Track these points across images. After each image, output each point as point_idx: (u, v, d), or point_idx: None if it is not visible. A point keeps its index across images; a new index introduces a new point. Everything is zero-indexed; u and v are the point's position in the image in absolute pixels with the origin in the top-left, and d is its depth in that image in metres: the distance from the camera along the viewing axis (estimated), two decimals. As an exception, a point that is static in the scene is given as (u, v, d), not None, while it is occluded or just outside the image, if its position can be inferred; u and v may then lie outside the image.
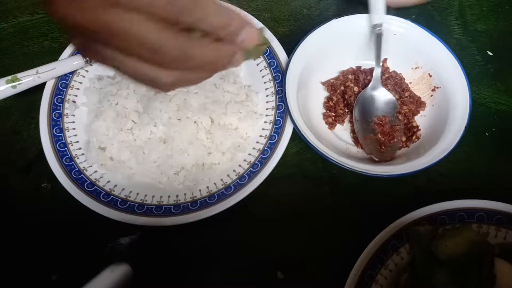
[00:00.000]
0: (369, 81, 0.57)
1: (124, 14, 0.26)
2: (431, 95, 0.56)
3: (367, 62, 0.58)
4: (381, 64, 0.55)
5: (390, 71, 0.58)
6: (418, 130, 0.54)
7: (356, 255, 0.45)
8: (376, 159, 0.51)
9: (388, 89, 0.55)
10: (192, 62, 0.29)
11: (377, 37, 0.54)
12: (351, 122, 0.56)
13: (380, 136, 0.52)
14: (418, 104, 0.55)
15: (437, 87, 0.55)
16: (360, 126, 0.54)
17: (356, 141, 0.54)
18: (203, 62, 0.30)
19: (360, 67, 0.58)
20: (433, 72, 0.56)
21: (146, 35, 0.27)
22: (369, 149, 0.53)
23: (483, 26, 0.63)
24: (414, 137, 0.54)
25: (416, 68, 0.57)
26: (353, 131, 0.55)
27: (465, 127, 0.49)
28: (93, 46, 0.28)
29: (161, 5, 0.26)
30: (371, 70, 0.58)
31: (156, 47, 0.27)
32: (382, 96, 0.54)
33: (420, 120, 0.55)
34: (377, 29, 0.53)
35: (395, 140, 0.52)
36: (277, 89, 0.56)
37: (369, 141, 0.53)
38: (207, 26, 0.28)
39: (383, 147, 0.52)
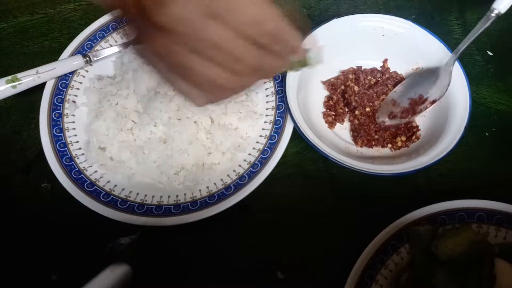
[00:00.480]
0: (370, 81, 0.57)
1: (224, 28, 0.33)
2: (431, 95, 0.56)
3: (367, 62, 0.58)
4: (463, 48, 0.51)
5: (390, 71, 0.58)
6: (418, 130, 0.54)
7: (356, 255, 0.45)
8: (377, 119, 0.53)
9: (389, 89, 0.55)
10: (262, 72, 0.36)
11: (484, 21, 0.49)
12: (351, 121, 0.56)
13: (400, 110, 0.52)
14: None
15: (438, 87, 0.55)
16: (399, 90, 0.53)
17: (355, 139, 0.54)
18: (268, 72, 0.37)
19: (360, 67, 0.58)
20: (433, 72, 0.56)
21: (237, 49, 0.33)
22: (381, 109, 0.53)
23: (483, 26, 0.63)
24: (414, 137, 0.54)
25: (416, 68, 0.57)
26: (352, 130, 0.55)
27: (465, 127, 0.49)
28: (179, 50, 0.34)
29: (254, 28, 0.33)
30: (371, 70, 0.58)
31: (241, 58, 0.34)
32: (441, 81, 0.52)
33: (420, 120, 0.55)
34: (493, 14, 0.49)
35: (402, 119, 0.52)
36: (277, 89, 0.56)
37: (390, 105, 0.53)
38: (283, 50, 0.35)
39: (392, 114, 0.52)
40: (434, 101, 0.51)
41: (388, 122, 0.52)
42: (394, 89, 0.54)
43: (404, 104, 0.53)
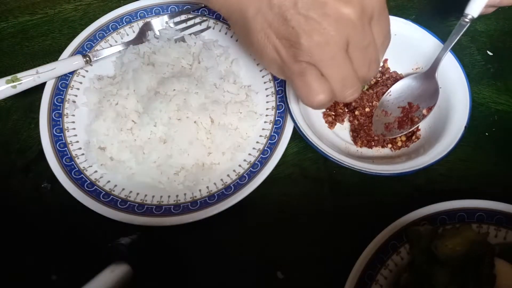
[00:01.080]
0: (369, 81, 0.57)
1: (347, 60, 0.39)
2: (432, 95, 0.56)
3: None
4: (445, 55, 0.52)
5: (390, 71, 0.58)
6: (418, 130, 0.54)
7: (356, 255, 0.45)
8: (375, 131, 0.52)
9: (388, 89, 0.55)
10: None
11: (460, 27, 0.51)
12: (350, 121, 0.56)
13: (393, 121, 0.52)
14: (418, 103, 0.55)
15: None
16: (387, 101, 0.53)
17: (355, 140, 0.54)
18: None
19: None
20: (433, 72, 0.56)
21: (351, 74, 0.40)
22: (375, 121, 0.53)
23: (483, 26, 0.63)
24: (414, 137, 0.54)
25: (416, 68, 0.57)
26: (352, 130, 0.55)
27: (465, 127, 0.49)
28: (310, 69, 0.40)
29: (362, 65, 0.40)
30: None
31: (350, 83, 0.41)
32: (429, 86, 0.52)
33: (420, 120, 0.55)
34: (466, 19, 0.50)
35: (402, 130, 0.52)
36: (277, 89, 0.56)
37: (382, 115, 0.53)
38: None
39: (389, 126, 0.52)
40: (430, 108, 0.51)
41: (389, 135, 0.52)
42: (381, 99, 0.54)
43: (396, 113, 0.53)
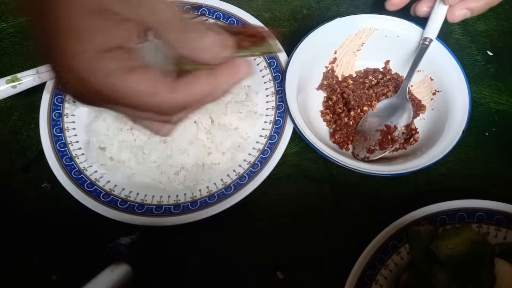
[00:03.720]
0: (370, 81, 0.57)
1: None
2: (432, 99, 0.56)
3: (369, 63, 0.58)
4: (412, 75, 0.53)
5: (392, 73, 0.58)
6: (417, 133, 0.54)
7: (356, 255, 0.45)
8: (356, 156, 0.53)
9: (389, 90, 0.55)
10: (193, 107, 0.35)
11: (421, 50, 0.53)
12: (341, 117, 0.56)
13: (374, 142, 0.53)
14: (418, 107, 0.55)
15: (438, 91, 0.55)
16: (364, 125, 0.54)
17: (334, 133, 0.54)
18: (203, 102, 0.34)
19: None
20: (434, 76, 0.55)
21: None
22: (356, 146, 0.53)
23: (483, 26, 0.63)
24: (412, 140, 0.54)
25: (418, 71, 0.56)
26: (335, 124, 0.55)
27: (463, 131, 0.49)
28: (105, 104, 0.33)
29: None
30: (373, 71, 0.58)
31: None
32: (402, 107, 0.53)
33: (419, 123, 0.55)
34: (426, 42, 0.53)
35: (384, 150, 0.52)
36: (277, 89, 0.55)
37: (362, 140, 0.53)
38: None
39: (370, 149, 0.53)
40: (408, 126, 0.53)
41: (372, 157, 0.52)
42: (358, 126, 0.54)
43: (375, 136, 0.53)
